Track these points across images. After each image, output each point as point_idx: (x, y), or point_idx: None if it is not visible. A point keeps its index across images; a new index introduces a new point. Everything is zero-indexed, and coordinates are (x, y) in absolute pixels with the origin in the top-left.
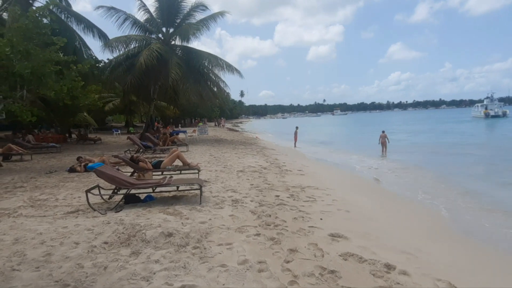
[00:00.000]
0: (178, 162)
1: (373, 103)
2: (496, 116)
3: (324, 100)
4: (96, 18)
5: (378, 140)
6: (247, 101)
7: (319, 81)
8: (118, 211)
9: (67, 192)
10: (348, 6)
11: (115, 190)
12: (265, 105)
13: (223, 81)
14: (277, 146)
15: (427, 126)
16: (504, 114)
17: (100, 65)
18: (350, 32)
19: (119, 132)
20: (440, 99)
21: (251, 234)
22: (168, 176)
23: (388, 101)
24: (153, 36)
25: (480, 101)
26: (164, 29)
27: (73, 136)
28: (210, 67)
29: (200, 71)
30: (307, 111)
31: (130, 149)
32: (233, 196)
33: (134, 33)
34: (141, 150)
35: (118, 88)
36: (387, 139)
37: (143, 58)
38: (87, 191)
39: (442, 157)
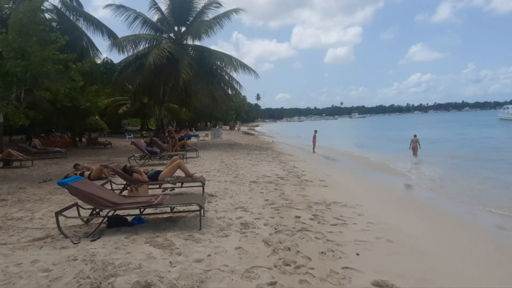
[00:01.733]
0: (180, 173)
1: (392, 105)
2: None
3: (342, 103)
4: (110, 20)
5: (409, 145)
6: (264, 104)
7: (336, 83)
8: (95, 239)
9: (48, 208)
10: (367, 7)
11: (94, 212)
12: (282, 108)
13: (237, 82)
14: (294, 151)
15: (454, 130)
16: None
17: (108, 66)
18: (369, 33)
19: (132, 136)
20: (463, 101)
21: (264, 283)
22: (162, 193)
23: (407, 104)
24: (165, 35)
25: (506, 103)
26: (176, 28)
27: (84, 140)
28: (224, 67)
29: (212, 71)
30: (324, 114)
31: (135, 155)
32: (243, 217)
33: (144, 33)
34: (146, 156)
35: (130, 90)
36: (419, 144)
37: (153, 58)
38: (58, 213)
39: (485, 164)
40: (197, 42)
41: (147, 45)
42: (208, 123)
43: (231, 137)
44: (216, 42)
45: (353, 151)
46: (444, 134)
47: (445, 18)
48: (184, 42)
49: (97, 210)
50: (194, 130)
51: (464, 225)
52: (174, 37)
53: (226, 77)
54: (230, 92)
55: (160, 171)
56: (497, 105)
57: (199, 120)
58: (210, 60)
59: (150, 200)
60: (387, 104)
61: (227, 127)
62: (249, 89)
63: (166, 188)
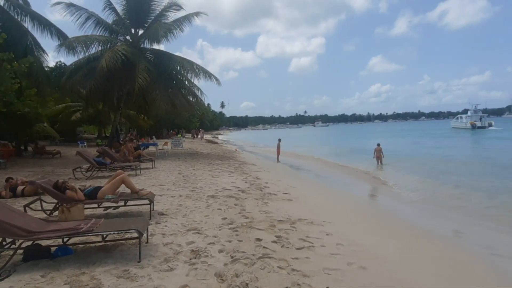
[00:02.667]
0: (126, 189)
1: (354, 114)
2: (482, 127)
3: (306, 112)
4: (68, 23)
5: (373, 154)
6: (228, 112)
7: (300, 92)
8: (2, 279)
9: None
10: (330, 18)
11: (4, 242)
12: (246, 116)
13: (199, 89)
14: (258, 160)
15: (413, 139)
16: (490, 125)
17: (62, 70)
18: (332, 44)
19: (85, 144)
20: (419, 111)
21: None
22: (95, 218)
23: (368, 113)
24: (120, 38)
25: (459, 113)
26: (132, 31)
27: (29, 149)
28: (184, 73)
29: (172, 77)
30: (288, 123)
31: (82, 167)
32: (195, 242)
33: (98, 34)
34: (94, 168)
35: (82, 95)
36: (382, 153)
37: (106, 61)
38: None
39: (453, 169)
40: (156, 46)
41: (100, 48)
42: (170, 131)
43: (193, 145)
44: (180, 49)
45: (318, 160)
46: (404, 143)
47: (402, 32)
48: (142, 46)
49: (5, 242)
50: (154, 138)
51: (441, 242)
52: (130, 40)
53: (187, 83)
54: (191, 99)
55: (100, 187)
56: (450, 114)
57: (161, 127)
58: (170, 65)
59: (78, 227)
60: (349, 113)
61: (189, 135)
62: (213, 97)
63: (108, 207)
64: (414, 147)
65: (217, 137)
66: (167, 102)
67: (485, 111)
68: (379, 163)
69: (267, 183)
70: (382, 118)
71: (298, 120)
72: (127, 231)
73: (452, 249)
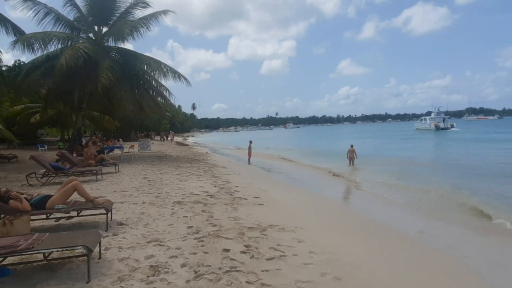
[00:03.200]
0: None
1: (324, 116)
2: (445, 129)
3: (277, 114)
4: (25, 21)
5: (346, 155)
6: (200, 114)
7: (272, 94)
8: None
9: None
10: (301, 22)
11: None
12: (218, 118)
13: (167, 89)
14: (229, 163)
15: (385, 139)
16: (452, 127)
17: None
18: (302, 47)
19: (46, 148)
20: (386, 113)
21: None
22: (38, 233)
23: (338, 115)
24: (83, 35)
25: (423, 114)
26: (96, 28)
27: None
28: (151, 73)
29: (139, 76)
30: (259, 124)
31: (37, 172)
32: (155, 255)
33: (57, 31)
34: (50, 173)
35: (42, 95)
36: (355, 154)
37: (65, 59)
38: None
39: (419, 169)
40: (123, 45)
41: (60, 45)
42: (139, 133)
43: (162, 148)
44: (150, 50)
45: (290, 161)
46: (374, 144)
47: (370, 36)
48: (107, 44)
49: None
50: (121, 141)
51: (416, 246)
52: (94, 38)
53: (154, 83)
54: (160, 100)
55: (49, 196)
56: (414, 116)
57: (129, 130)
58: (136, 64)
59: (16, 243)
60: (319, 115)
61: (158, 137)
62: (184, 98)
63: (60, 218)
64: (384, 148)
65: (188, 139)
66: (133, 103)
67: (447, 113)
68: (351, 164)
69: (237, 186)
70: (351, 119)
71: (270, 122)
72: (74, 247)
73: (427, 252)
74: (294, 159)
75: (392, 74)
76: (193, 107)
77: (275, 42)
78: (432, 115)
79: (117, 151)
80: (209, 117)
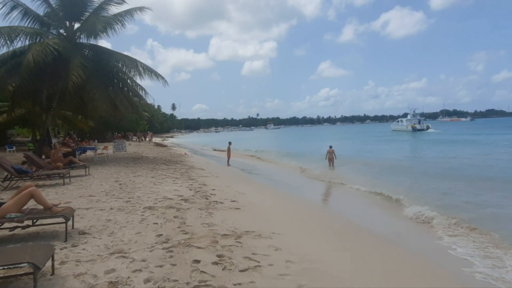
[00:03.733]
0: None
1: (304, 117)
2: (421, 130)
3: (258, 114)
4: None
5: (325, 156)
6: (180, 114)
7: (253, 95)
8: None
9: None
10: (282, 23)
11: None
12: (198, 118)
13: (143, 89)
14: (207, 165)
15: (362, 141)
16: (427, 128)
17: None
18: (284, 48)
19: (14, 149)
20: (365, 114)
21: None
22: None
23: (318, 116)
24: (53, 31)
25: (400, 116)
26: (67, 24)
27: None
28: (126, 72)
29: (113, 75)
30: (240, 125)
31: None
32: (117, 269)
33: (25, 26)
34: (12, 177)
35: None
36: (335, 155)
37: (33, 55)
38: None
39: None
40: (96, 42)
41: (28, 41)
42: (115, 133)
43: (139, 149)
44: (128, 49)
45: (270, 162)
46: (354, 145)
47: (349, 39)
48: (79, 41)
49: None
50: (96, 142)
51: (399, 251)
52: (65, 34)
53: (130, 82)
54: (136, 99)
55: (1, 204)
56: (392, 118)
57: (105, 130)
58: (110, 62)
59: None
60: (300, 116)
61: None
62: (164, 99)
63: (13, 228)
64: (364, 150)
65: (167, 140)
66: (107, 102)
67: (422, 114)
68: (331, 165)
69: (214, 190)
70: (331, 121)
71: (251, 123)
72: (17, 265)
73: (408, 258)
74: (274, 160)
75: (370, 76)
76: (173, 108)
77: (257, 43)
78: (409, 116)
79: (90, 153)
80: (190, 117)
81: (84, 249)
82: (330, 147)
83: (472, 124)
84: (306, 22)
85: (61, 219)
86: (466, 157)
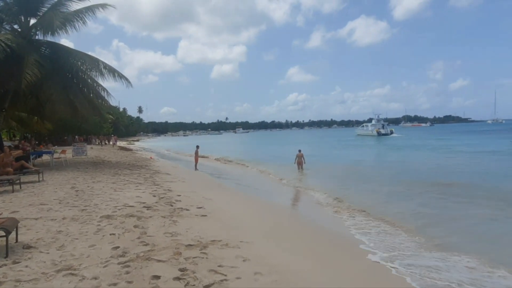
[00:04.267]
0: None
1: (273, 121)
2: (385, 134)
3: (227, 118)
4: None
5: (294, 160)
6: (147, 117)
7: (222, 99)
8: None
9: None
10: (251, 28)
11: None
12: (166, 122)
13: (105, 90)
14: (174, 169)
15: (329, 144)
16: (391, 132)
17: None
18: (253, 53)
19: None
20: (332, 119)
21: None
22: None
23: (287, 120)
24: (7, 26)
25: (365, 121)
26: (22, 19)
27: None
28: (87, 71)
29: (72, 74)
30: (209, 129)
31: None
32: None
33: None
34: None
35: None
36: (304, 159)
37: None
38: None
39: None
40: (56, 40)
41: None
42: (76, 137)
43: (101, 153)
44: (92, 49)
45: (238, 166)
46: (322, 149)
47: (317, 45)
48: (35, 37)
49: None
50: (56, 147)
51: (366, 259)
52: (19, 30)
53: (91, 83)
54: (100, 101)
55: None
56: (357, 123)
57: (65, 133)
58: (69, 61)
59: None
60: (269, 120)
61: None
62: (130, 101)
63: None
64: (333, 154)
65: (133, 144)
66: (66, 104)
67: (386, 120)
68: (300, 169)
69: (179, 195)
70: (299, 125)
71: (220, 127)
72: None
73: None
74: (242, 164)
75: (337, 82)
76: (140, 111)
77: (226, 47)
78: (373, 121)
79: (46, 157)
80: (157, 121)
81: (27, 266)
82: (299, 151)
83: (432, 129)
84: (275, 27)
85: (1, 232)
86: (426, 161)
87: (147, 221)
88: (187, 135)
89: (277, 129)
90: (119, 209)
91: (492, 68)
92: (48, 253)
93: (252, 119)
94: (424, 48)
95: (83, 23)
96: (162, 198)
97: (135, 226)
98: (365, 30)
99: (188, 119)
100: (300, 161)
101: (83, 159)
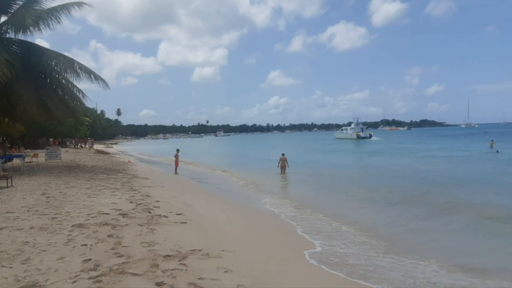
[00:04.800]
0: None
1: (254, 125)
2: (364, 138)
3: (208, 122)
4: None
5: (278, 163)
6: (126, 120)
7: (203, 102)
8: None
9: None
10: (233, 31)
11: None
12: (146, 125)
13: (80, 91)
14: (153, 173)
15: (316, 149)
16: (370, 136)
17: None
18: (234, 56)
19: None
20: (312, 122)
21: None
22: None
23: (268, 124)
24: None
25: (344, 125)
26: None
27: None
28: (61, 71)
29: (45, 75)
30: (190, 132)
31: None
32: None
33: None
34: None
35: None
36: (287, 162)
37: None
38: None
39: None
40: (30, 39)
41: None
42: (50, 140)
43: (77, 157)
44: (69, 49)
45: (220, 170)
46: (306, 154)
47: (298, 49)
48: (6, 36)
49: None
50: (28, 150)
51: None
52: None
53: (66, 83)
54: (75, 103)
55: None
56: (337, 126)
57: (39, 136)
58: (42, 60)
59: None
60: (250, 124)
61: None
62: (108, 103)
63: None
64: (315, 158)
65: (111, 147)
66: (38, 105)
67: (365, 123)
68: (283, 173)
69: (158, 201)
70: (280, 129)
71: (200, 130)
72: None
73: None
74: (224, 168)
75: (318, 86)
76: (118, 113)
77: (207, 50)
78: (352, 125)
79: (16, 161)
80: (136, 123)
81: None
82: (283, 154)
83: (409, 133)
84: (257, 31)
85: None
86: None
87: (123, 229)
88: (167, 138)
89: (258, 133)
90: (92, 217)
91: (466, 75)
92: (11, 267)
93: (233, 122)
94: (401, 54)
95: (58, 21)
96: (139, 204)
97: (109, 236)
98: (345, 35)
99: (168, 122)
100: (283, 164)
101: (57, 163)
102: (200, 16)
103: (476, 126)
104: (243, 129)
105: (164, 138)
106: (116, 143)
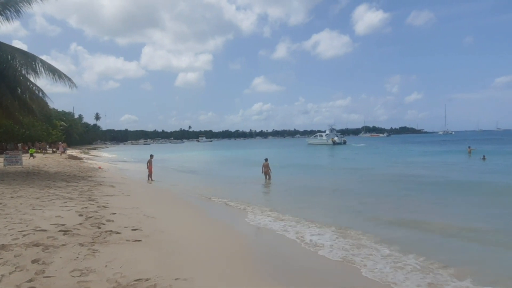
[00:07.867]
0: None
1: (237, 131)
2: (339, 143)
3: (190, 127)
4: None
5: (261, 169)
6: (106, 125)
7: (186, 107)
8: None
9: None
10: (218, 37)
11: None
12: (126, 130)
13: (41, 90)
14: (123, 180)
15: (293, 154)
16: (345, 142)
17: None
18: (219, 62)
19: None
20: (295, 129)
21: None
22: None
23: (251, 130)
24: None
25: (319, 131)
26: None
27: None
28: (19, 68)
29: (2, 72)
30: (172, 138)
31: None
32: None
33: None
34: None
35: None
36: (270, 168)
37: None
38: None
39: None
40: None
41: None
42: (19, 144)
43: (43, 162)
44: (48, 52)
45: (197, 177)
46: (290, 160)
47: (282, 56)
48: None
49: None
50: None
51: None
52: None
53: (28, 83)
54: (37, 102)
55: None
56: (319, 132)
57: (6, 140)
58: None
59: None
60: (233, 129)
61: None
62: (89, 108)
63: None
64: (297, 164)
65: (87, 153)
66: None
67: (346, 130)
68: (267, 178)
69: (114, 214)
70: (263, 134)
71: (183, 135)
72: None
73: None
74: (204, 174)
75: (301, 92)
76: (97, 117)
77: (192, 55)
78: (327, 131)
79: None
80: (117, 128)
81: None
82: (266, 160)
83: (389, 140)
84: (242, 37)
85: None
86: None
87: (56, 252)
88: (148, 144)
89: (241, 138)
90: (24, 235)
91: (443, 84)
92: None
93: (216, 128)
94: (383, 62)
95: (17, 13)
96: (90, 217)
97: (34, 261)
98: (328, 43)
99: (150, 127)
100: (266, 170)
101: (16, 169)
102: (185, 21)
103: (453, 133)
104: (226, 134)
105: (144, 144)
106: (94, 149)
